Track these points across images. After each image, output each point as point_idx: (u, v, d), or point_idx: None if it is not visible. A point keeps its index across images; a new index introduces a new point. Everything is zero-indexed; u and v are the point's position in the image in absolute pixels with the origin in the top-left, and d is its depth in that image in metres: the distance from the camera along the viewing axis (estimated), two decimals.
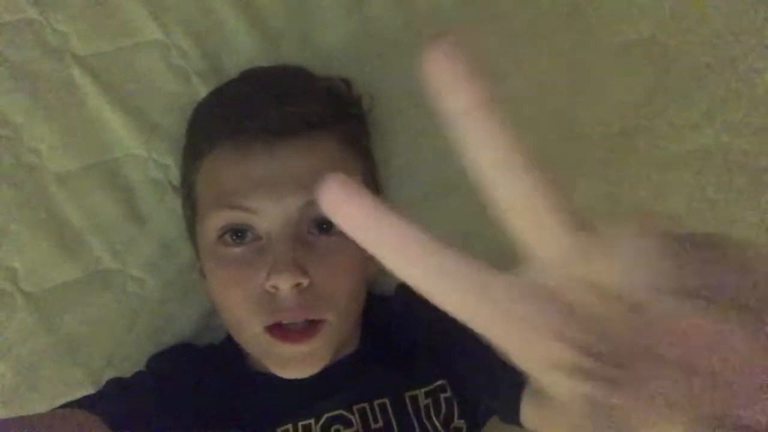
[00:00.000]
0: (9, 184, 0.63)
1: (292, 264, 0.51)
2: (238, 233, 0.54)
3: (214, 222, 0.54)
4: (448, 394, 0.58)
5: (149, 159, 0.66)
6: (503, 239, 0.71)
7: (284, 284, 0.51)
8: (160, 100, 0.66)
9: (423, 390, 0.57)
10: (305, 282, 0.51)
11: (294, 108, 0.55)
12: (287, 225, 0.52)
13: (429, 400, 0.57)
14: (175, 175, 0.66)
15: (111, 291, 0.65)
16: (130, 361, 0.63)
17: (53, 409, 0.51)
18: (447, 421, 0.57)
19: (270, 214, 0.52)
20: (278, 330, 0.52)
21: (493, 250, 0.70)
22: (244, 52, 0.67)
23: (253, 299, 0.52)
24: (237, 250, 0.54)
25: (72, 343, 0.64)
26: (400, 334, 0.62)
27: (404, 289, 0.67)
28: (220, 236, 0.54)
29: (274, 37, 0.68)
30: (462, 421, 0.57)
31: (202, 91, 0.65)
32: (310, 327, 0.53)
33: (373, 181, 0.63)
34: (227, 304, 0.55)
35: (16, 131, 0.63)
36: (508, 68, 0.72)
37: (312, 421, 0.55)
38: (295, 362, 0.53)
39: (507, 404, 0.52)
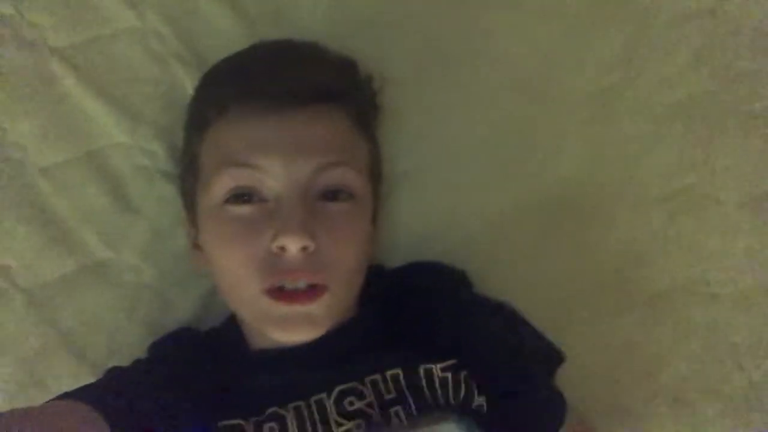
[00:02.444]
0: None
1: (301, 226, 0.51)
2: (244, 196, 0.53)
3: (222, 182, 0.53)
4: (467, 372, 0.56)
5: (135, 146, 0.65)
6: (486, 213, 0.70)
7: (292, 245, 0.50)
8: (141, 86, 0.65)
9: (439, 365, 0.55)
10: (312, 245, 0.51)
11: (308, 75, 0.55)
12: (296, 187, 0.52)
13: (448, 375, 0.55)
14: (163, 160, 0.66)
15: (108, 281, 0.65)
16: (131, 350, 0.62)
17: (49, 401, 0.51)
18: (467, 400, 0.55)
19: (279, 175, 0.52)
20: (277, 292, 0.52)
21: (475, 224, 0.71)
22: (221, 34, 0.66)
23: (256, 259, 0.52)
24: (243, 210, 0.53)
25: (72, 336, 0.64)
26: (409, 307, 0.62)
27: (419, 265, 0.67)
28: (227, 199, 0.54)
29: (250, 18, 0.67)
30: (482, 398, 0.55)
31: (182, 74, 0.65)
32: (312, 291, 0.52)
33: (376, 165, 0.63)
34: (227, 265, 0.54)
35: None
36: (488, 32, 0.72)
37: (324, 395, 0.54)
38: (294, 323, 0.53)
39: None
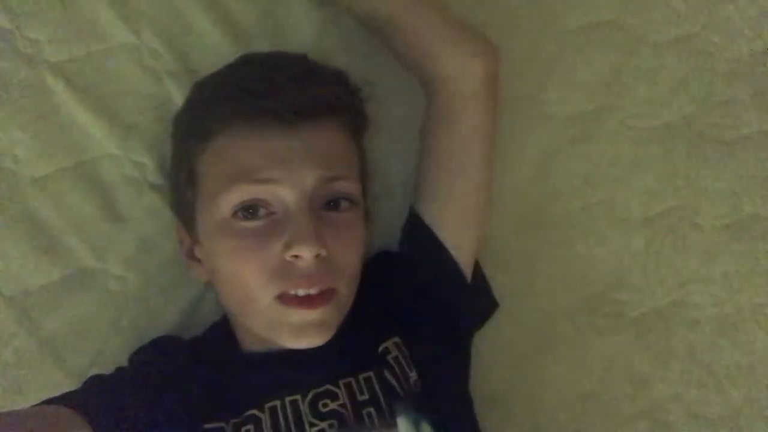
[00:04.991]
0: None
1: (314, 234, 0.53)
2: (250, 209, 0.55)
3: (231, 197, 0.55)
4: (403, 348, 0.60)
5: (125, 158, 0.66)
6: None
7: (307, 254, 0.52)
8: (133, 101, 0.66)
9: (391, 341, 0.60)
10: (325, 252, 0.53)
11: (315, 91, 0.56)
12: (304, 198, 0.54)
13: (397, 353, 0.59)
14: (152, 172, 0.67)
15: (93, 290, 0.65)
16: (114, 359, 0.62)
17: (33, 405, 0.51)
18: (407, 379, 0.59)
19: (288, 187, 0.54)
20: (290, 298, 0.54)
21: None
22: (215, 51, 0.68)
23: (268, 269, 0.53)
24: (253, 224, 0.55)
25: (55, 345, 0.64)
26: (371, 298, 0.63)
27: (374, 259, 0.68)
28: (235, 213, 0.55)
29: (245, 35, 0.69)
30: (414, 373, 0.59)
31: (175, 91, 0.67)
32: (322, 295, 0.54)
33: (365, 170, 0.65)
34: (239, 276, 0.55)
35: None
36: None
37: (299, 396, 0.55)
38: (307, 330, 0.54)
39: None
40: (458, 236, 0.64)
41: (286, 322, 0.54)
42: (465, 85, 0.62)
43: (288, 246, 0.53)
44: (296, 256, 0.53)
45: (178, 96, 0.66)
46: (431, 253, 0.63)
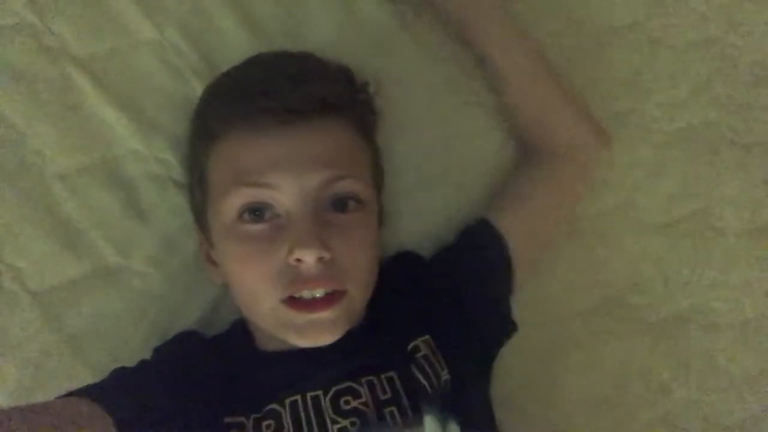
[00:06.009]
0: (12, 185, 0.64)
1: (316, 238, 0.52)
2: (256, 211, 0.55)
3: (234, 200, 0.55)
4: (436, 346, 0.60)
5: (149, 155, 0.66)
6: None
7: (309, 257, 0.52)
8: (157, 97, 0.67)
9: (420, 339, 0.59)
10: (328, 255, 0.53)
11: (312, 89, 0.56)
12: (307, 201, 0.54)
13: (428, 351, 0.59)
14: (175, 170, 0.67)
15: (116, 287, 0.65)
16: (136, 356, 0.62)
17: (56, 398, 0.51)
18: (439, 378, 0.58)
19: (290, 191, 0.54)
20: (295, 301, 0.54)
21: None
22: (237, 48, 0.68)
23: (273, 273, 0.53)
24: (257, 227, 0.55)
25: (78, 341, 0.64)
26: (396, 298, 0.63)
27: (401, 256, 0.68)
28: (240, 215, 0.55)
29: (266, 33, 0.69)
30: (446, 372, 0.59)
31: (198, 87, 0.66)
32: (330, 297, 0.54)
33: (378, 169, 0.65)
34: (245, 281, 0.55)
35: (18, 133, 0.64)
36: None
37: (320, 392, 0.55)
38: (314, 329, 0.54)
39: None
40: (527, 253, 0.67)
41: (292, 323, 0.54)
42: (579, 159, 0.70)
43: (291, 250, 0.53)
44: (299, 260, 0.53)
45: (200, 93, 0.66)
46: (494, 262, 0.65)
